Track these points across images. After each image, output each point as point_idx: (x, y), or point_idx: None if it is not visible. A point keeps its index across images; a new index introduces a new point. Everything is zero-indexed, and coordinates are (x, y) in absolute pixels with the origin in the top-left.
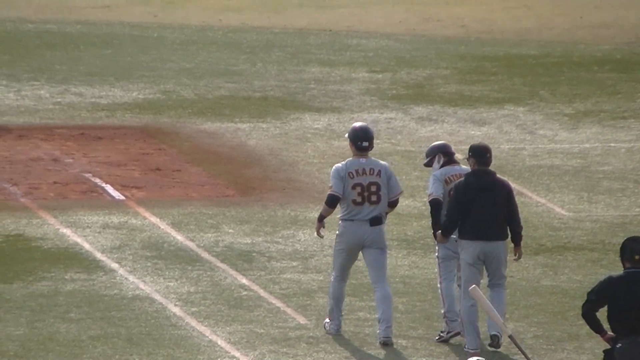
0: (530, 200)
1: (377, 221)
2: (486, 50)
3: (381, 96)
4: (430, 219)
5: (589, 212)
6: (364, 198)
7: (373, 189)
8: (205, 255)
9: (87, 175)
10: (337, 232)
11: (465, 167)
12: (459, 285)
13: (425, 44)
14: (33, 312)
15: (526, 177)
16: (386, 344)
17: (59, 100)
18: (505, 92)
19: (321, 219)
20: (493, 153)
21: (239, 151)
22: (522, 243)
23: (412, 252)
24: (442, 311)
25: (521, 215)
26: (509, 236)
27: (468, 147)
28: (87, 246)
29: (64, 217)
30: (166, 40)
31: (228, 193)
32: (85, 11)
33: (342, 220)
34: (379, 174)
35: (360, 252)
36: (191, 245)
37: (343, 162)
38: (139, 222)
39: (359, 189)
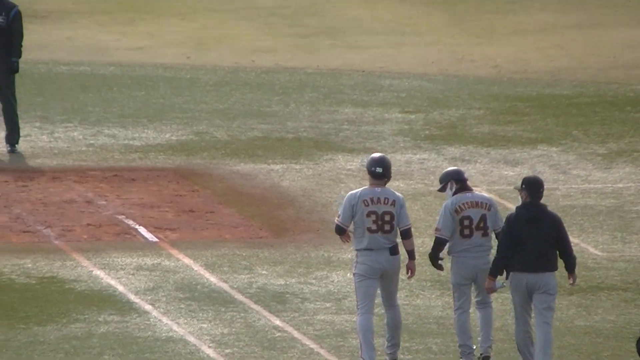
0: None
1: (396, 250)
2: (519, 90)
3: (414, 137)
4: (431, 251)
5: (622, 252)
6: (378, 226)
7: (387, 218)
8: (238, 296)
9: (121, 217)
10: (355, 264)
11: (478, 194)
12: (480, 308)
13: (458, 84)
14: (67, 355)
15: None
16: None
17: (92, 142)
18: (538, 132)
19: (344, 239)
20: None
21: (272, 192)
22: (575, 271)
23: (445, 292)
24: (458, 345)
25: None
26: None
27: (502, 183)
28: (120, 288)
29: (98, 259)
30: (199, 82)
31: (261, 234)
32: (118, 53)
33: (359, 250)
34: (393, 204)
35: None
36: (225, 286)
37: (357, 190)
38: (173, 263)
39: (373, 217)
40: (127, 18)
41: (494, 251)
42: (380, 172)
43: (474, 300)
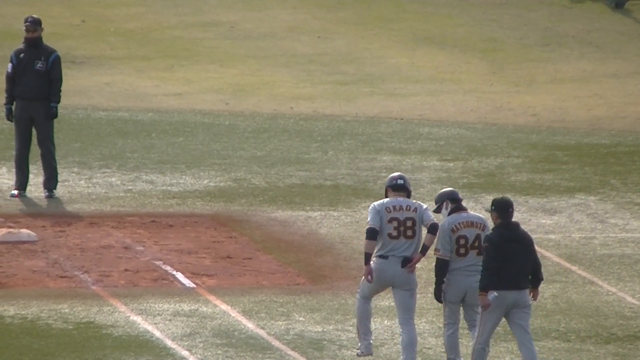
0: (601, 289)
1: (408, 262)
2: (557, 139)
3: (452, 185)
4: (437, 277)
5: None
6: (400, 232)
7: (409, 224)
8: (276, 343)
9: (158, 262)
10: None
11: (473, 214)
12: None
13: (496, 132)
14: None
15: (597, 266)
16: None
17: (130, 187)
18: (576, 181)
19: (368, 258)
20: (564, 242)
21: (310, 239)
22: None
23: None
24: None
25: (592, 304)
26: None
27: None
28: (157, 334)
29: (135, 305)
30: (237, 128)
31: (299, 281)
32: (157, 99)
33: (376, 256)
34: (415, 210)
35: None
36: (262, 333)
37: (381, 200)
38: (210, 309)
39: (395, 223)
40: (166, 64)
41: None
42: (401, 183)
43: (463, 319)
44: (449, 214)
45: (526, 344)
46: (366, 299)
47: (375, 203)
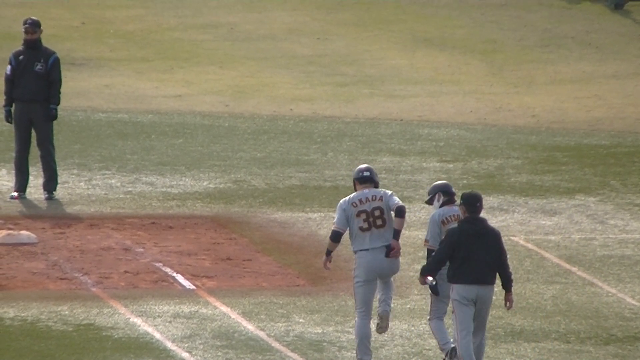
0: (601, 290)
1: (390, 250)
2: (557, 140)
3: (452, 186)
4: (426, 265)
5: None
6: (370, 224)
7: (377, 213)
8: (275, 344)
9: (158, 264)
10: (354, 265)
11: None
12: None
13: (496, 133)
14: None
15: (597, 267)
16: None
17: (130, 189)
18: (576, 182)
19: (328, 253)
20: (563, 243)
21: (309, 241)
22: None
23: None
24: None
25: (592, 305)
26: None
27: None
28: (157, 335)
29: (135, 307)
30: (237, 130)
31: (299, 282)
32: (156, 101)
33: (356, 252)
34: (380, 199)
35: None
36: (262, 334)
37: (347, 197)
38: (210, 311)
39: (364, 216)
40: (166, 66)
41: None
42: (367, 175)
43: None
44: (441, 206)
45: (480, 336)
46: (365, 314)
47: (342, 200)
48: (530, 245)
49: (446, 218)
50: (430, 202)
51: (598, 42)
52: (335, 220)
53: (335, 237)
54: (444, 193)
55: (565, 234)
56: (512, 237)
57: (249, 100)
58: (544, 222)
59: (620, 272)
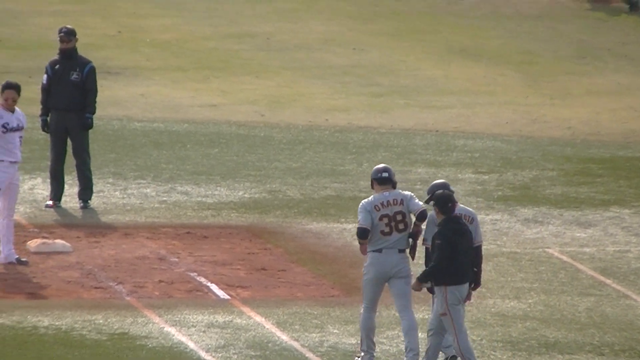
0: (636, 303)
1: (403, 250)
2: (592, 152)
3: (487, 197)
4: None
5: None
6: (392, 228)
7: (399, 217)
8: (309, 355)
9: (193, 274)
10: (365, 263)
11: (463, 207)
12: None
13: (531, 145)
14: None
15: (631, 280)
16: None
17: (165, 199)
18: (611, 194)
19: (363, 251)
20: (598, 255)
21: (344, 251)
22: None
23: (516, 354)
24: None
25: (626, 318)
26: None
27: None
28: (192, 345)
29: (169, 316)
30: (273, 140)
31: (333, 293)
32: (192, 110)
33: (370, 252)
34: (401, 202)
35: (387, 283)
36: (296, 345)
37: (370, 198)
38: (244, 321)
39: (386, 220)
40: (201, 75)
41: None
42: (386, 176)
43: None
44: None
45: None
46: (371, 309)
47: (364, 202)
48: (564, 257)
49: None
50: (429, 201)
51: (634, 54)
52: (359, 219)
53: (363, 233)
54: None
55: (600, 246)
56: (546, 249)
57: (284, 110)
58: (578, 234)
59: None
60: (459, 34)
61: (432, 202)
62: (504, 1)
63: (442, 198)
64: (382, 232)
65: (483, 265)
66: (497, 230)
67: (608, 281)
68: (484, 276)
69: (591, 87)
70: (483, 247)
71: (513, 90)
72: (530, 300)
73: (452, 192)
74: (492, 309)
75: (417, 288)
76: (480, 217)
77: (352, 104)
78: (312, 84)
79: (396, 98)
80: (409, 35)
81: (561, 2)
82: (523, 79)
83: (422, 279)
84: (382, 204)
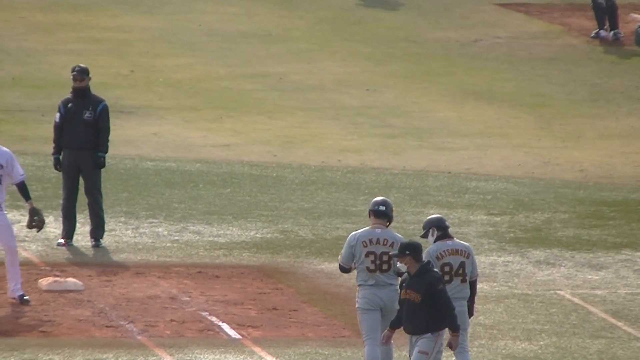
0: None
1: (391, 283)
2: (605, 195)
3: (499, 239)
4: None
5: None
6: (376, 266)
7: (385, 258)
8: None
9: (204, 313)
10: (357, 298)
11: (459, 242)
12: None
13: (543, 187)
14: None
15: None
16: None
17: (177, 238)
18: (623, 236)
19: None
20: (610, 298)
21: (355, 292)
22: None
23: None
24: None
25: None
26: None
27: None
28: None
29: (180, 355)
30: (285, 180)
31: (344, 333)
32: (204, 150)
33: (360, 285)
34: (392, 245)
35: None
36: None
37: (358, 231)
38: None
39: (372, 257)
40: (214, 115)
41: None
42: (383, 209)
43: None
44: (435, 241)
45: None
46: (372, 340)
47: (352, 235)
48: (576, 300)
49: (440, 253)
50: (425, 236)
51: None
52: (342, 253)
53: (343, 271)
54: (438, 228)
55: (611, 288)
56: (558, 291)
57: (297, 150)
58: (590, 277)
59: None
60: (472, 76)
61: (406, 252)
62: (518, 44)
63: (417, 246)
64: (368, 269)
65: (494, 307)
66: (508, 272)
67: (619, 324)
68: (495, 317)
69: (604, 130)
70: (494, 289)
71: (526, 132)
72: (541, 342)
73: (448, 227)
74: (503, 351)
75: (457, 343)
76: (492, 258)
77: (365, 144)
78: (325, 125)
79: (409, 139)
80: (422, 77)
81: (575, 45)
82: (536, 122)
83: (456, 328)
84: (370, 240)
